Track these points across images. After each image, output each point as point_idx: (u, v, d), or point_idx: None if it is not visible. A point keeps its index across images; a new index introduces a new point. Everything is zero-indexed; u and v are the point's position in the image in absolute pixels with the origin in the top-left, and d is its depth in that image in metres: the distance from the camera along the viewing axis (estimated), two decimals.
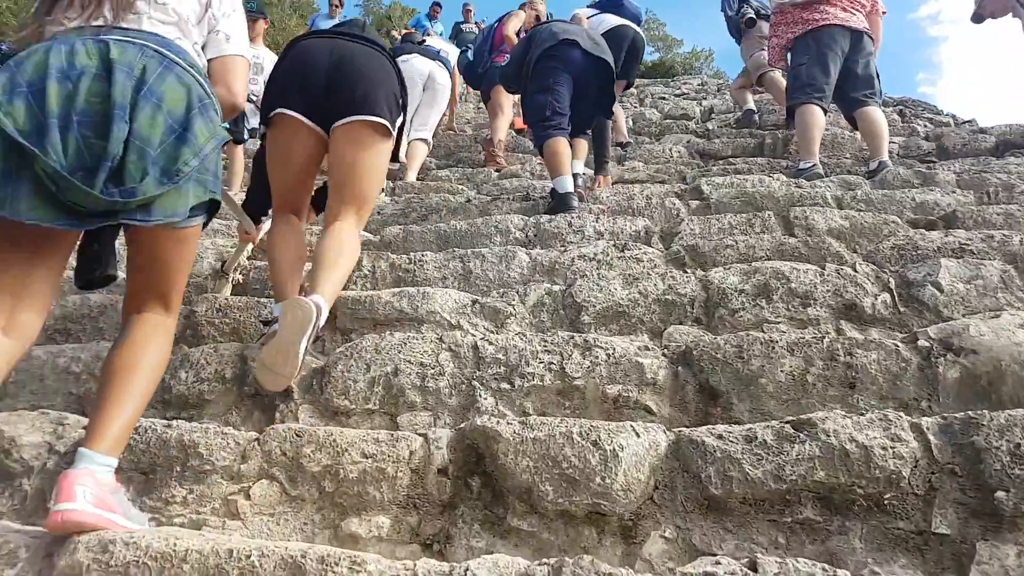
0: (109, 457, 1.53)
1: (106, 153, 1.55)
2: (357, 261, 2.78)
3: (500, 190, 5.12)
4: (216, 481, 1.69)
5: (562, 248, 3.12)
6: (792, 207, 3.68)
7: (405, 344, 2.15)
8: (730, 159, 6.23)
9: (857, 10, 5.08)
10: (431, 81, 5.87)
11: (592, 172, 5.22)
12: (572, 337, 2.19)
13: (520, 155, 6.75)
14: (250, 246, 3.21)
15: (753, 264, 2.77)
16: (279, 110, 2.54)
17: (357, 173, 2.51)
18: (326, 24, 9.61)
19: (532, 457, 1.64)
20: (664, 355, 2.26)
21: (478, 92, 8.23)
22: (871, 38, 5.06)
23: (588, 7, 6.57)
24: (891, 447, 1.66)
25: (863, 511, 1.63)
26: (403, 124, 2.75)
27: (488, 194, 5.00)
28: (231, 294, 2.93)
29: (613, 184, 5.23)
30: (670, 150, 6.64)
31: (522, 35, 5.90)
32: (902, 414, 1.74)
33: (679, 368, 2.20)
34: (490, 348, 2.15)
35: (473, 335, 2.22)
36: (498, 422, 1.70)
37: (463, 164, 6.50)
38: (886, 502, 1.63)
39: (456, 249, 3.07)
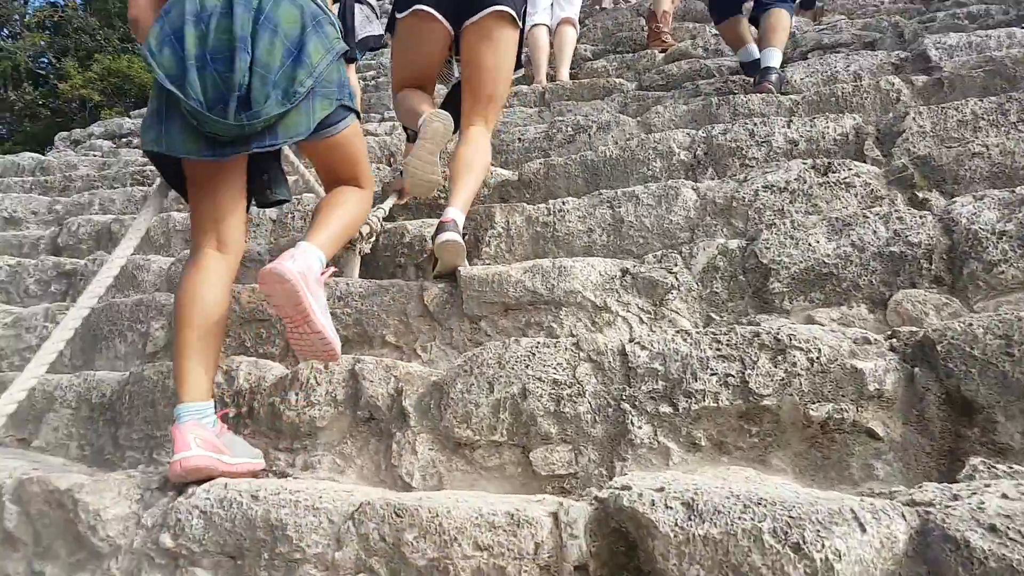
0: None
1: (233, 83, 1.68)
2: (484, 179, 2.76)
3: (666, 78, 4.34)
4: (308, 573, 1.37)
5: (742, 176, 2.44)
6: None
7: (534, 355, 1.67)
8: None
9: None
10: None
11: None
12: (757, 335, 1.61)
13: (690, 25, 5.78)
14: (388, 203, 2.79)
15: (1018, 191, 1.98)
16: (417, 7, 2.55)
17: (488, 72, 2.57)
18: None
19: (704, 565, 1.15)
20: (892, 348, 1.63)
21: None
22: None
23: None
24: None
25: None
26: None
27: (650, 86, 4.26)
28: (360, 273, 2.54)
29: (809, 53, 4.30)
30: None
31: None
32: None
33: (915, 369, 1.58)
34: (643, 355, 1.63)
35: (620, 335, 1.71)
36: (652, 505, 1.21)
37: (623, 48, 5.64)
38: None
39: (603, 192, 2.48)
